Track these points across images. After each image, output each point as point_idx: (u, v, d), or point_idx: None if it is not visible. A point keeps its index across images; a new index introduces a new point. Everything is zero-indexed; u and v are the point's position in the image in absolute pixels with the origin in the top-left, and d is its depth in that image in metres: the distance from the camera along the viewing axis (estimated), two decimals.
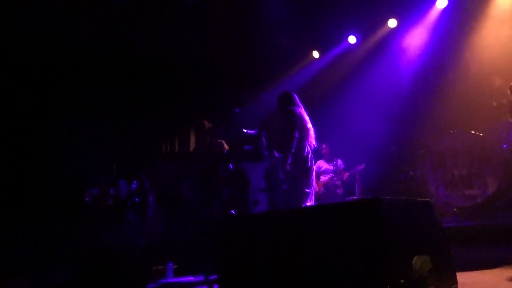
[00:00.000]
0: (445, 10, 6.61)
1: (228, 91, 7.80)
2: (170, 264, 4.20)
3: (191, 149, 7.58)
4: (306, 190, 4.23)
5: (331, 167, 6.63)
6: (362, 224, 2.10)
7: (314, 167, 4.59)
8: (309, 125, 4.41)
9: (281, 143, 4.34)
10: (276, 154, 4.61)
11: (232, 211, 4.41)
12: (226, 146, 5.14)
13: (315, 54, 8.12)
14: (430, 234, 2.28)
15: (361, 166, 6.45)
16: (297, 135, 4.24)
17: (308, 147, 4.39)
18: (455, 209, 4.58)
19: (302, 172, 4.26)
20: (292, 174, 4.24)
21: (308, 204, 4.20)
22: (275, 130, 4.61)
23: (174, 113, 7.74)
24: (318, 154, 5.84)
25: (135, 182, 5.11)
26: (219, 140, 5.17)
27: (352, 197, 6.33)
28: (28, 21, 5.86)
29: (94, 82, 6.67)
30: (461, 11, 6.43)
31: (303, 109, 4.56)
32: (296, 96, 4.63)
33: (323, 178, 6.62)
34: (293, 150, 4.19)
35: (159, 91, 7.49)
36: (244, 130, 5.16)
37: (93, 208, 5.14)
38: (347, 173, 6.56)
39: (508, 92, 4.95)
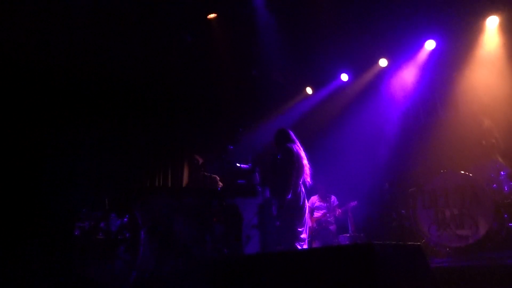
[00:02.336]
0: (433, 51, 6.85)
1: (222, 125, 7.90)
2: None
3: (184, 183, 7.57)
4: (299, 229, 4.18)
5: (325, 204, 6.64)
6: (355, 269, 2.11)
7: (308, 204, 4.56)
8: (305, 161, 4.39)
9: (277, 184, 4.28)
10: (268, 195, 4.60)
11: (225, 250, 4.36)
12: (220, 183, 5.15)
13: (309, 90, 8.30)
14: (421, 278, 2.29)
15: (354, 203, 6.46)
16: (293, 177, 4.20)
17: (302, 185, 4.38)
18: (447, 249, 4.57)
19: (295, 210, 4.22)
20: (285, 212, 4.19)
21: (300, 243, 4.15)
22: (270, 167, 4.58)
23: (167, 146, 7.77)
24: (312, 190, 5.85)
25: (126, 216, 5.06)
26: (213, 176, 5.19)
27: (345, 234, 6.31)
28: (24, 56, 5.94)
29: (87, 114, 6.71)
30: (449, 54, 6.66)
31: (299, 144, 4.57)
32: (291, 133, 4.64)
33: (316, 214, 6.60)
34: (289, 196, 4.13)
35: (152, 124, 7.54)
36: (238, 165, 5.19)
37: (83, 242, 5.06)
38: (340, 210, 6.56)
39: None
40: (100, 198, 5.35)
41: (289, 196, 4.13)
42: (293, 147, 4.39)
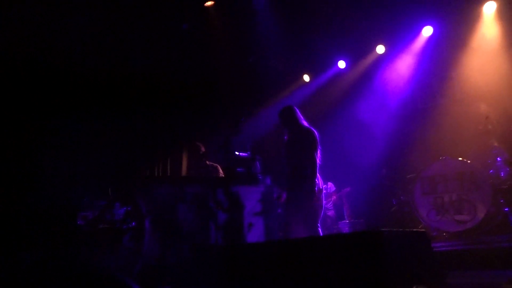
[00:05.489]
0: (431, 38, 6.87)
1: (220, 113, 7.90)
2: None
3: (183, 172, 7.60)
4: (319, 211, 4.13)
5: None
6: (363, 255, 2.18)
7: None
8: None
9: (300, 166, 4.11)
10: (269, 182, 4.59)
11: (229, 238, 4.41)
12: (221, 171, 5.19)
13: (306, 77, 8.31)
14: (426, 263, 2.37)
15: (347, 189, 6.54)
16: (317, 158, 4.07)
17: None
18: (445, 234, 4.69)
19: (319, 194, 4.16)
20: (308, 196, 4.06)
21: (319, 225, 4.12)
22: (286, 148, 4.34)
23: (166, 136, 7.77)
24: None
25: (130, 205, 5.10)
26: (214, 164, 5.23)
27: (344, 221, 6.41)
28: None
29: (87, 104, 6.68)
30: (446, 40, 6.70)
31: None
32: (298, 111, 4.43)
33: None
34: (317, 176, 4.02)
35: (150, 114, 7.53)
36: (237, 153, 5.22)
37: (87, 232, 5.11)
38: (335, 196, 6.63)
39: None
40: (103, 188, 5.39)
41: (317, 173, 4.04)
42: (313, 128, 4.22)
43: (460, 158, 4.85)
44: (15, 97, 6.03)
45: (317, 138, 4.16)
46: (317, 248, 2.46)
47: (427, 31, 6.83)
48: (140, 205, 4.92)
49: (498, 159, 5.01)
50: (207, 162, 5.31)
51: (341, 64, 7.85)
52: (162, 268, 4.61)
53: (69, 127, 6.50)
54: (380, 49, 7.32)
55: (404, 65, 7.14)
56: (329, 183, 6.78)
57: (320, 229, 4.12)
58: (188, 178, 5.72)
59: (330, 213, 6.66)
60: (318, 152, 4.17)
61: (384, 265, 2.11)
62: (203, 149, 5.40)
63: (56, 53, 6.31)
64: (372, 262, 2.14)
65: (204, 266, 4.42)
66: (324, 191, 6.47)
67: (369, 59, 7.57)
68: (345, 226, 6.24)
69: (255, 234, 4.95)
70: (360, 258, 2.19)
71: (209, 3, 6.78)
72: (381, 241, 2.14)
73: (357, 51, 7.59)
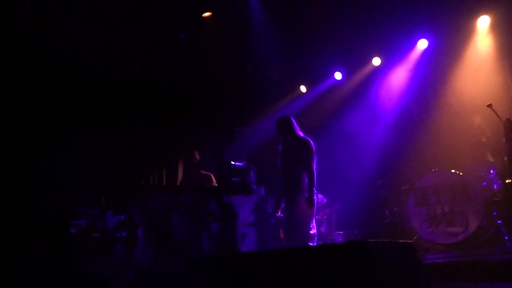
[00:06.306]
0: (426, 51, 6.94)
1: (217, 122, 7.94)
2: None
3: (178, 180, 7.61)
4: (312, 227, 4.08)
5: None
6: (350, 265, 2.19)
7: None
8: None
9: (296, 175, 4.11)
10: (263, 192, 4.59)
11: (221, 248, 4.41)
12: (214, 180, 5.20)
13: (303, 88, 8.37)
14: (413, 275, 2.38)
15: (336, 206, 6.52)
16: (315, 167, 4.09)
17: None
18: (438, 246, 4.69)
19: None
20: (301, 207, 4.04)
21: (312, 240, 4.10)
22: (282, 157, 4.34)
23: (162, 144, 7.79)
24: None
25: (123, 214, 5.10)
26: (208, 174, 5.24)
27: (339, 232, 6.39)
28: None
29: (83, 112, 6.71)
30: (441, 53, 6.76)
31: None
32: (295, 121, 4.46)
33: None
34: (315, 187, 4.04)
35: (146, 122, 7.55)
36: (232, 162, 5.24)
37: (80, 240, 5.09)
38: (327, 209, 6.60)
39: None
40: (96, 196, 5.39)
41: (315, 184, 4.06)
42: (311, 140, 4.24)
43: (452, 170, 4.87)
44: (8, 106, 6.04)
45: (314, 148, 4.20)
46: (305, 258, 2.47)
47: (422, 44, 6.90)
48: (133, 214, 4.91)
49: (492, 171, 5.02)
50: (201, 172, 5.32)
51: (338, 75, 7.91)
52: (154, 277, 4.60)
53: (64, 135, 6.51)
54: (376, 61, 7.38)
55: (400, 77, 7.20)
56: (320, 195, 6.69)
57: (315, 240, 4.11)
58: (182, 187, 5.73)
59: (324, 225, 6.62)
60: (315, 162, 4.20)
61: (370, 276, 2.12)
62: (198, 157, 5.41)
63: (53, 61, 6.35)
64: (358, 272, 2.15)
65: (197, 276, 4.42)
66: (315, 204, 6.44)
67: (365, 71, 7.62)
68: (339, 237, 6.22)
69: (248, 244, 4.95)
70: (345, 268, 2.20)
71: (206, 14, 6.85)
72: (367, 252, 2.15)
73: (353, 63, 7.65)
